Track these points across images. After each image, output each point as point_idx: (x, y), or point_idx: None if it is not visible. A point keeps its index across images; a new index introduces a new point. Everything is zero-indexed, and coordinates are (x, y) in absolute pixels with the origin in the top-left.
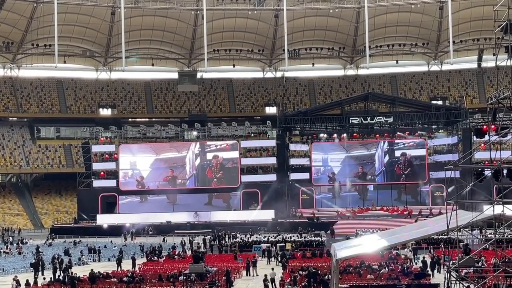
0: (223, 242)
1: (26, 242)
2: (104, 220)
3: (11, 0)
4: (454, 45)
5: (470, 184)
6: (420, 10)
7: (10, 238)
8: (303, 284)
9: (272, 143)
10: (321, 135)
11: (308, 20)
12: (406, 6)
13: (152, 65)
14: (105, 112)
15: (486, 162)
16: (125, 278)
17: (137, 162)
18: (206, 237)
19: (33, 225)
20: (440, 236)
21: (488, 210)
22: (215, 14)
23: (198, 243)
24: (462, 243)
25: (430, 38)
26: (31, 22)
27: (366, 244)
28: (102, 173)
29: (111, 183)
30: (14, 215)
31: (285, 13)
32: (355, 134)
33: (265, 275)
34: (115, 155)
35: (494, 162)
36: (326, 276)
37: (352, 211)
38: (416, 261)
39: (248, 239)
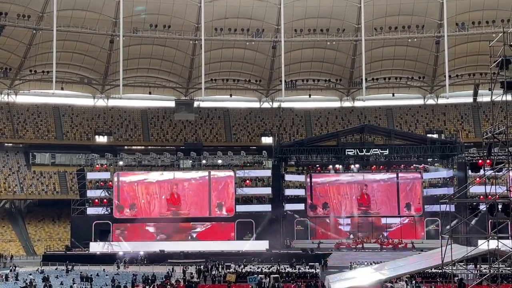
0: (216, 272)
1: (15, 269)
2: (97, 248)
3: (11, 26)
4: (450, 79)
5: (465, 219)
6: (417, 44)
7: None
8: None
9: (267, 173)
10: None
11: (306, 51)
12: (402, 40)
13: (150, 93)
14: (101, 139)
15: (481, 197)
16: None
17: (130, 190)
18: (200, 267)
19: (25, 252)
20: (435, 270)
21: (483, 245)
22: (213, 44)
23: (192, 273)
24: (456, 278)
25: (426, 72)
26: (29, 48)
27: (360, 276)
28: (96, 200)
29: (105, 210)
30: (7, 241)
31: (282, 45)
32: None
33: None
34: (110, 183)
35: (489, 196)
36: None
37: (347, 244)
38: None
39: (242, 269)
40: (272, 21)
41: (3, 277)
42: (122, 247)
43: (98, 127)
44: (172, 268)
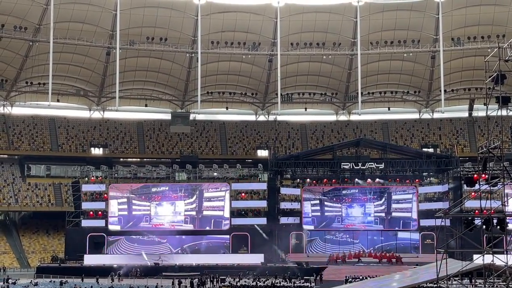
0: (211, 285)
1: (8, 281)
2: (91, 260)
3: (7, 38)
4: (445, 93)
5: (461, 233)
6: (412, 59)
7: None
8: None
9: (263, 186)
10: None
11: (302, 65)
12: (398, 54)
13: (146, 105)
14: (97, 151)
15: (477, 211)
16: None
17: (126, 203)
18: (193, 280)
19: (19, 264)
20: (430, 285)
21: (478, 260)
22: (210, 57)
23: (186, 287)
24: None
25: (422, 86)
26: (26, 60)
27: None
28: (91, 212)
29: (100, 223)
30: (1, 253)
31: (279, 58)
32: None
33: None
34: (105, 195)
35: (484, 211)
36: None
37: (342, 257)
38: None
39: (237, 283)
40: (268, 35)
41: None
42: (116, 260)
43: (93, 139)
44: (172, 282)
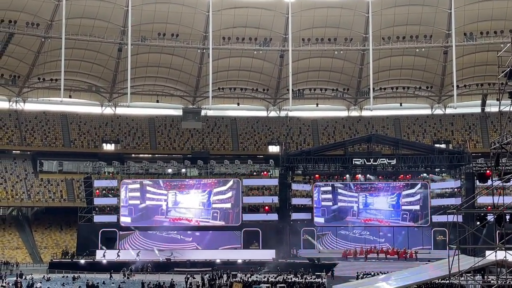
0: (222, 281)
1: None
2: (104, 255)
3: (19, 35)
4: (458, 89)
5: (473, 229)
6: (425, 54)
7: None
8: None
9: (274, 182)
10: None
11: (313, 61)
12: (410, 49)
13: (157, 101)
14: (109, 147)
15: (489, 207)
16: None
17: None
18: (204, 276)
19: (32, 259)
20: (442, 281)
21: (491, 256)
22: (221, 53)
23: (198, 282)
24: None
25: (434, 82)
26: (38, 56)
27: (367, 286)
28: (103, 208)
29: (112, 218)
30: (14, 248)
31: (290, 54)
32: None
33: None
34: (117, 191)
35: (497, 207)
36: None
37: (354, 253)
38: None
39: (248, 279)
40: (279, 30)
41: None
42: (128, 255)
43: (105, 135)
44: (187, 277)
